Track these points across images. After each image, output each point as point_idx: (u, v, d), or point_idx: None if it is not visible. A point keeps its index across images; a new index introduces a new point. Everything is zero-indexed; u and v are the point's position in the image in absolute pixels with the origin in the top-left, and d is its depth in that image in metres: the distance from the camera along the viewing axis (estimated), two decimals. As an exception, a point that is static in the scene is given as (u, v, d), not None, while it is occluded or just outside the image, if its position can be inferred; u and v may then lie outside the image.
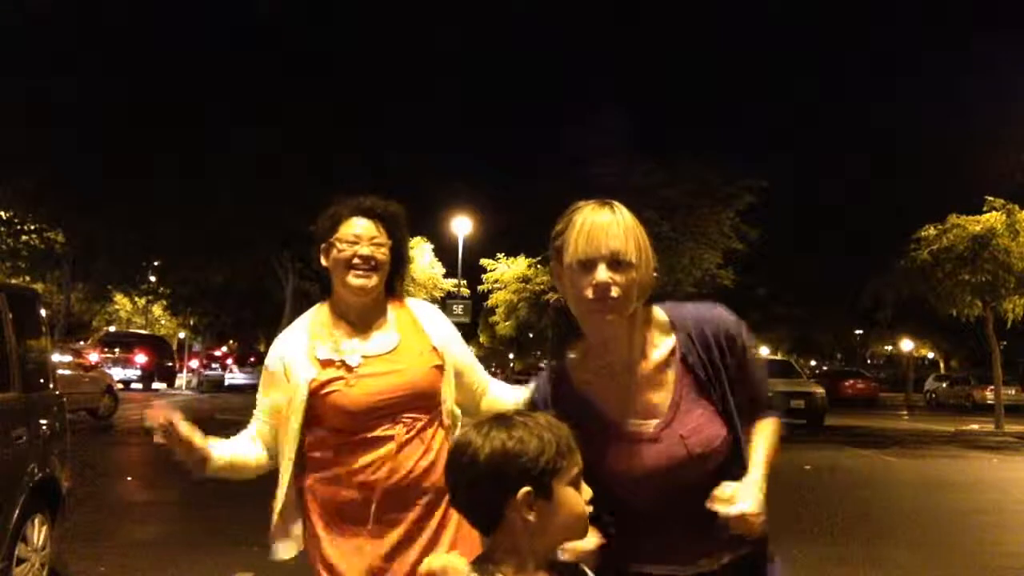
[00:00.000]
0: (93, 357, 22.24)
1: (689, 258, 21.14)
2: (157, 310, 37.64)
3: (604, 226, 1.57)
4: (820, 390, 20.08)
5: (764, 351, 48.03)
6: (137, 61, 17.76)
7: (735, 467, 1.58)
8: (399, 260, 2.16)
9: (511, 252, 32.15)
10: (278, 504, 2.10)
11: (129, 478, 9.37)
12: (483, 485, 1.34)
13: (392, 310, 2.17)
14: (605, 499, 1.54)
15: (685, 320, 1.66)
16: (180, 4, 19.44)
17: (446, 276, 38.47)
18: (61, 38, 17.86)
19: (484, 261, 33.29)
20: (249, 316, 28.92)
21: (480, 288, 34.17)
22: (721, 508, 1.47)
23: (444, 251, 37.78)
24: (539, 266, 30.48)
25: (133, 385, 26.59)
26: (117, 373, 25.22)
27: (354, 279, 2.06)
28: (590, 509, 1.37)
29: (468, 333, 30.61)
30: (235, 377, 30.05)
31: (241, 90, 17.15)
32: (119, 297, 34.98)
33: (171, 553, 5.69)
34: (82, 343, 28.29)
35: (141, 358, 27.13)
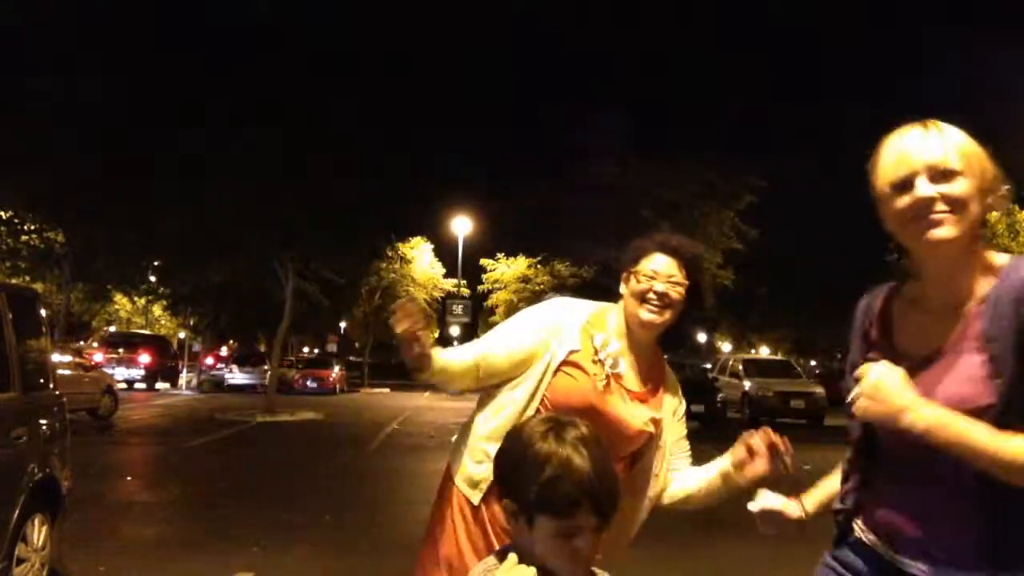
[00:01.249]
0: (98, 357, 22.39)
1: (689, 258, 21.18)
2: (157, 310, 37.63)
3: (916, 141, 1.44)
4: (820, 390, 20.08)
5: (764, 351, 48.23)
6: (137, 61, 17.75)
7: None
8: (695, 302, 2.18)
9: (511, 252, 32.13)
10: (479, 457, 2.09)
11: (129, 478, 9.37)
12: (514, 475, 1.39)
13: (661, 360, 2.25)
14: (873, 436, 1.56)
15: (1017, 264, 1.44)
16: (180, 4, 19.43)
17: (446, 276, 38.51)
18: (61, 38, 17.85)
19: (484, 261, 33.30)
20: (249, 316, 28.92)
21: (480, 288, 34.19)
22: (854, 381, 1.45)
23: (444, 251, 37.75)
24: (539, 266, 30.49)
25: (137, 385, 26.91)
26: (121, 373, 25.66)
27: (645, 313, 2.11)
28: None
29: (468, 333, 30.61)
30: (235, 377, 30.09)
31: (242, 90, 17.14)
32: (119, 297, 34.99)
33: (171, 553, 5.69)
34: (82, 343, 28.36)
35: (145, 358, 27.44)
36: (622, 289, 2.19)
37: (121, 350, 27.41)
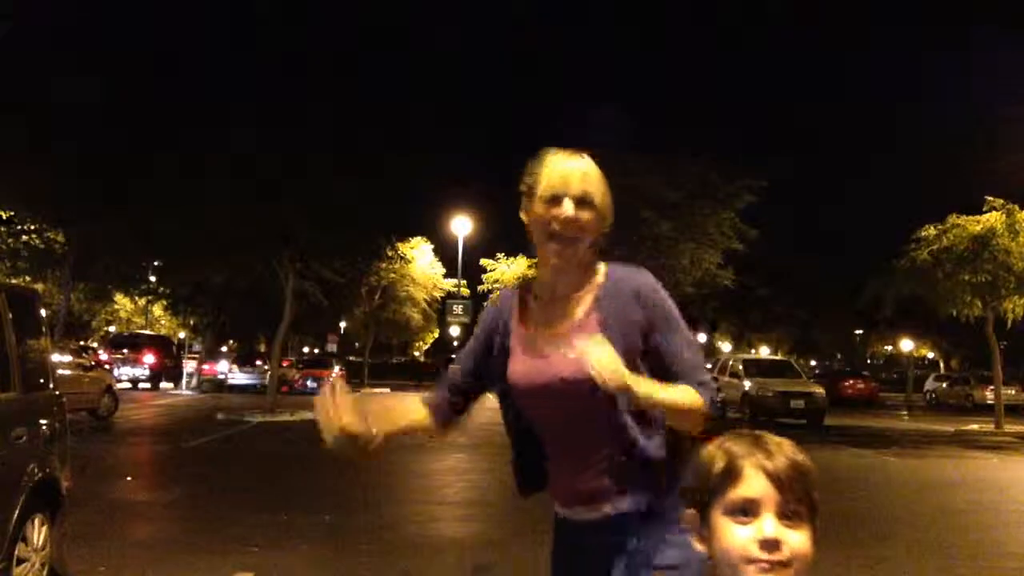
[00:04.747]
0: (103, 357, 22.53)
1: (689, 258, 21.15)
2: (157, 310, 37.62)
3: (574, 169, 1.76)
4: (820, 390, 20.08)
5: (764, 351, 48.15)
6: (137, 61, 17.75)
7: (623, 411, 1.71)
8: None
9: (511, 252, 32.13)
10: None
11: (129, 478, 9.36)
12: None
13: None
14: (520, 417, 1.84)
15: (614, 271, 1.83)
16: (180, 4, 19.44)
17: (446, 276, 38.48)
18: (61, 38, 17.85)
19: (484, 261, 33.29)
20: (249, 316, 28.93)
21: (480, 288, 34.18)
22: (573, 351, 1.65)
23: (444, 251, 37.70)
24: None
25: (141, 384, 27.19)
26: (126, 372, 26.06)
27: None
28: None
29: (468, 333, 30.58)
30: (235, 377, 30.11)
31: (241, 90, 17.14)
32: (119, 297, 35.00)
33: (171, 553, 5.69)
34: (82, 343, 28.42)
35: (149, 358, 27.84)
36: None
37: (126, 350, 27.79)
